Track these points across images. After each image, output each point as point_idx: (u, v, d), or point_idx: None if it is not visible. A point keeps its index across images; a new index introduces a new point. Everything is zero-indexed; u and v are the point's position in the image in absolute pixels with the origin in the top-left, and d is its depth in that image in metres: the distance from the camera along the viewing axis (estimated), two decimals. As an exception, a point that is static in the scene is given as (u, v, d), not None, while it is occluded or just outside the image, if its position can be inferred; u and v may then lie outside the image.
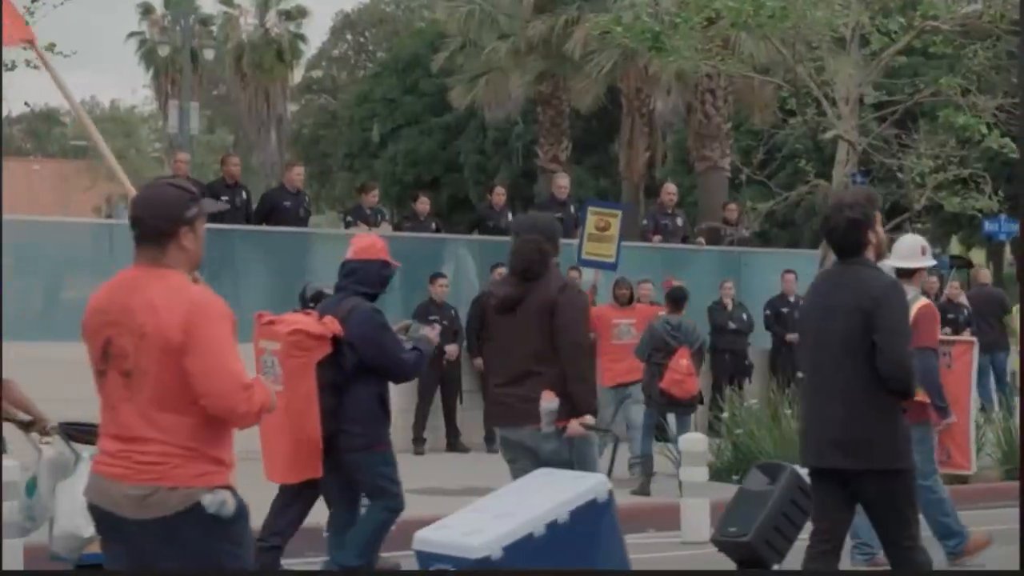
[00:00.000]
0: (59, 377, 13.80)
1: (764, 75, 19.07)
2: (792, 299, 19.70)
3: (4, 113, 70.53)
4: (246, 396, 4.96)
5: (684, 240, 20.50)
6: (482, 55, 31.81)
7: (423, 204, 19.27)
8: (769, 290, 19.95)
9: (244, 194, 17.79)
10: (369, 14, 66.96)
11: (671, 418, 14.60)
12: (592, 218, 16.10)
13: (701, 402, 15.17)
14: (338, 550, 8.59)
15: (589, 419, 7.63)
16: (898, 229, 28.80)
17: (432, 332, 8.85)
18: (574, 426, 7.57)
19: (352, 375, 8.37)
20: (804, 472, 8.07)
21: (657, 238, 20.12)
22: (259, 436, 8.29)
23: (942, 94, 15.58)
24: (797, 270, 19.63)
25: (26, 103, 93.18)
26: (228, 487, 5.04)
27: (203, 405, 4.94)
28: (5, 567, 9.29)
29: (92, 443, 9.39)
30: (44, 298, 16.41)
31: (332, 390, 8.34)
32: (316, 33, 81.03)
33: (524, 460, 7.74)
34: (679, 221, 20.61)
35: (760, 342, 19.81)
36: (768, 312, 19.74)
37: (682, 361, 14.17)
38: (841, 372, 6.90)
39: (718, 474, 14.05)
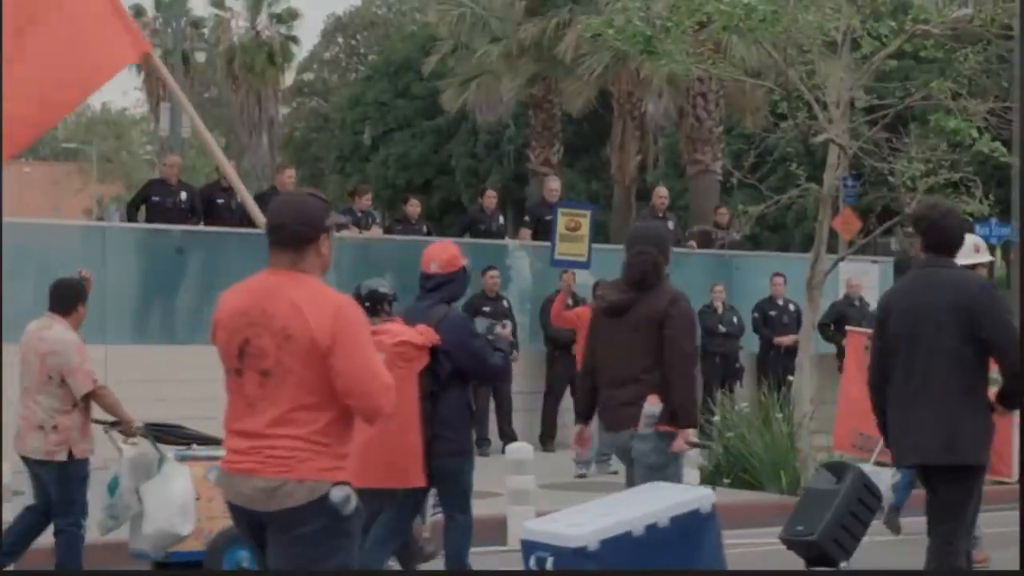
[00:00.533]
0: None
1: (755, 79, 19.06)
2: (780, 302, 19.73)
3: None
4: (389, 396, 5.24)
5: (675, 244, 20.51)
6: (473, 58, 31.79)
7: (414, 207, 19.28)
8: (760, 293, 19.99)
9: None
10: (360, 17, 66.95)
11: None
12: (563, 219, 16.64)
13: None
14: (379, 546, 8.71)
15: (692, 435, 7.97)
16: (889, 233, 28.83)
17: (506, 331, 9.12)
18: (679, 443, 7.87)
19: (446, 382, 8.62)
20: (870, 470, 8.54)
21: (648, 241, 20.13)
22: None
23: (933, 98, 15.57)
24: (788, 273, 19.64)
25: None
26: (349, 483, 5.24)
27: (349, 404, 5.19)
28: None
29: (176, 444, 9.62)
30: (35, 301, 16.34)
31: (429, 398, 8.57)
32: (307, 36, 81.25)
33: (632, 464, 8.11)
34: (670, 224, 20.62)
35: (750, 345, 19.84)
36: (756, 315, 19.77)
37: (677, 365, 14.20)
38: (939, 370, 7.15)
39: (709, 477, 14.06)
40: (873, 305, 20.97)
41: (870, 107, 16.92)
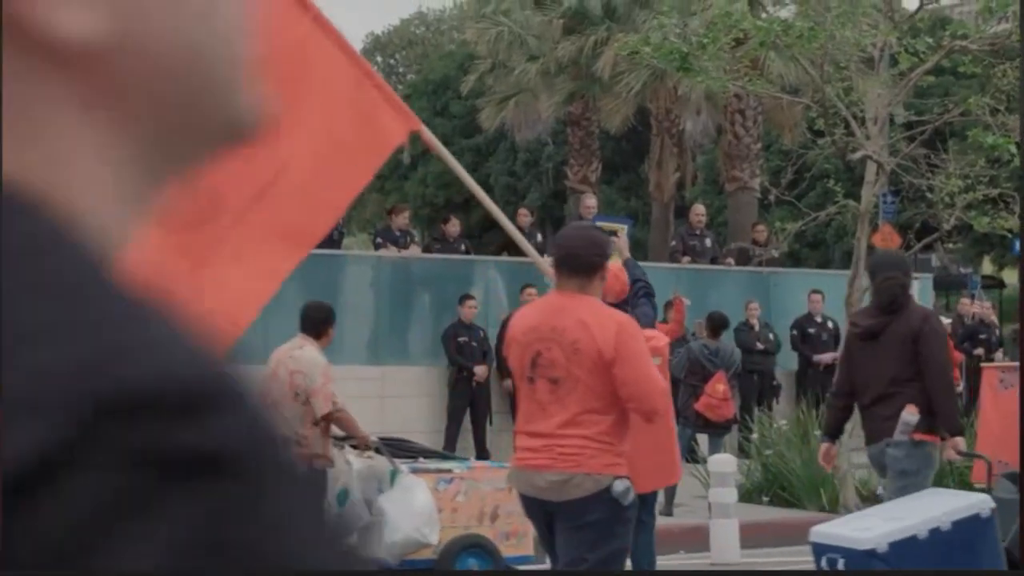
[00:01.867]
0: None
1: (793, 95, 19.05)
2: (819, 319, 19.65)
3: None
4: (665, 400, 6.04)
5: (713, 261, 20.50)
6: (512, 76, 31.86)
7: (453, 226, 19.31)
8: (799, 310, 19.92)
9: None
10: (399, 36, 67.20)
11: (704, 438, 14.64)
12: None
13: (736, 422, 15.22)
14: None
15: (961, 444, 8.43)
16: (928, 249, 28.73)
17: (620, 241, 9.32)
18: (950, 453, 8.40)
19: None
20: None
21: (686, 259, 20.13)
22: None
23: (971, 114, 15.54)
24: (827, 290, 19.58)
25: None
26: (629, 477, 5.94)
27: (630, 407, 5.92)
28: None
29: (405, 457, 9.91)
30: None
31: None
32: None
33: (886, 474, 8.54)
34: (708, 242, 20.62)
35: (787, 362, 19.76)
36: (795, 332, 19.68)
37: (718, 386, 14.19)
38: None
39: (748, 495, 14.03)
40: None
41: (908, 123, 16.89)
